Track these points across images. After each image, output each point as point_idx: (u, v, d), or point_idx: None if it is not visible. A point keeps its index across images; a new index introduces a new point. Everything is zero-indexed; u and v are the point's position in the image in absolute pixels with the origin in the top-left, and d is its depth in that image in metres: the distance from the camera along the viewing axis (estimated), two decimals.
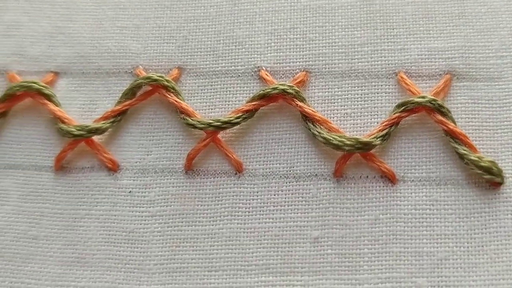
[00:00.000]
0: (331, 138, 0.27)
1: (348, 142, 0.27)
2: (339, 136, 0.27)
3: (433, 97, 0.27)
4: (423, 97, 0.27)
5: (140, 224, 0.27)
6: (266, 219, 0.27)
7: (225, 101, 0.29)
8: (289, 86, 0.28)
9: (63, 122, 0.29)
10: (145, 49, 0.30)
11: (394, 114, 0.27)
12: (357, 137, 0.27)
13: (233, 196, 0.27)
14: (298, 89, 0.28)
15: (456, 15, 0.29)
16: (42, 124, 0.30)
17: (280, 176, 0.28)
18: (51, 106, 0.29)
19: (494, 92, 0.28)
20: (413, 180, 0.27)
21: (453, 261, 0.25)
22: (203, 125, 0.28)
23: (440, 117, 0.27)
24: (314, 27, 0.30)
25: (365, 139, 0.27)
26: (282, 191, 0.27)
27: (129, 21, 0.31)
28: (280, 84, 0.28)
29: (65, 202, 0.28)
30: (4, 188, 0.29)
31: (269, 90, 0.28)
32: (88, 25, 0.31)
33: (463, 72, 0.28)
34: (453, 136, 0.26)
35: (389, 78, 0.28)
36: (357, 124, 0.28)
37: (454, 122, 0.27)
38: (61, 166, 0.29)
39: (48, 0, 0.32)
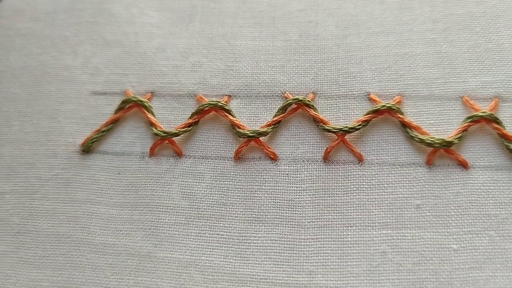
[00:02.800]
0: (425, 139, 0.40)
1: (437, 141, 0.40)
2: (430, 138, 0.40)
3: (490, 112, 0.40)
4: (483, 112, 0.41)
5: (296, 195, 0.40)
6: (383, 192, 0.40)
7: (347, 115, 0.43)
8: (392, 104, 0.42)
9: (239, 128, 0.42)
10: (289, 80, 0.44)
11: (464, 123, 0.41)
12: (443, 137, 0.40)
13: (358, 177, 0.41)
14: (398, 106, 0.41)
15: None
16: (222, 128, 0.43)
17: (390, 164, 0.41)
18: (231, 117, 0.43)
19: None
20: (479, 167, 0.40)
21: None
22: (336, 130, 0.41)
23: (495, 125, 0.40)
24: (403, 67, 0.44)
25: (449, 139, 0.40)
26: (392, 174, 0.40)
27: (276, 62, 0.45)
28: (386, 103, 0.42)
29: (243, 181, 0.41)
30: (200, 171, 0.42)
31: (379, 107, 0.42)
32: (249, 65, 0.45)
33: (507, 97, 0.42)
34: (508, 140, 0.40)
35: (456, 101, 0.42)
36: (438, 130, 0.41)
37: (504, 129, 0.40)
38: (238, 157, 0.42)
39: (222, 47, 0.46)
